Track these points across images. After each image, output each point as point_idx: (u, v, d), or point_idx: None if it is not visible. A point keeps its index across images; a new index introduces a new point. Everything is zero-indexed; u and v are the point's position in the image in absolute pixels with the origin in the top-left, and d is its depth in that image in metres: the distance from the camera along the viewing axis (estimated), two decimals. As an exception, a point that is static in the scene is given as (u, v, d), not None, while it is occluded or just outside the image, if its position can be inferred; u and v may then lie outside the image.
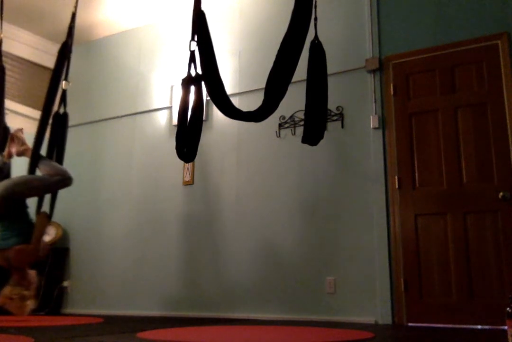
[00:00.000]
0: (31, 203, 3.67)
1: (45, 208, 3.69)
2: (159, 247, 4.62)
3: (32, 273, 3.58)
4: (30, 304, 3.45)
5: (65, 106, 3.86)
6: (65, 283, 4.97)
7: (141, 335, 2.62)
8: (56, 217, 5.04)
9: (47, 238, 4.94)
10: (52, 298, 4.81)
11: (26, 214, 3.65)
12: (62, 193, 3.81)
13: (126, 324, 3.45)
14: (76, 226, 5.15)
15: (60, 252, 5.03)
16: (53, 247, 4.95)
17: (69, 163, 4.59)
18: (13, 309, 3.43)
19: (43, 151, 3.69)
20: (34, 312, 4.58)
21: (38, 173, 3.62)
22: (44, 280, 4.78)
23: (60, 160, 3.76)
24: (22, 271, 3.51)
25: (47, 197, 3.73)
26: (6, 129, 3.94)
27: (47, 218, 3.63)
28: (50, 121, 3.72)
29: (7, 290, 3.42)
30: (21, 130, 3.96)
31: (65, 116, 3.85)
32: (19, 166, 3.84)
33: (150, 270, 4.61)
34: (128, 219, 4.88)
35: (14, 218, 3.57)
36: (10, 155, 3.85)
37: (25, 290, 3.44)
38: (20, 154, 3.87)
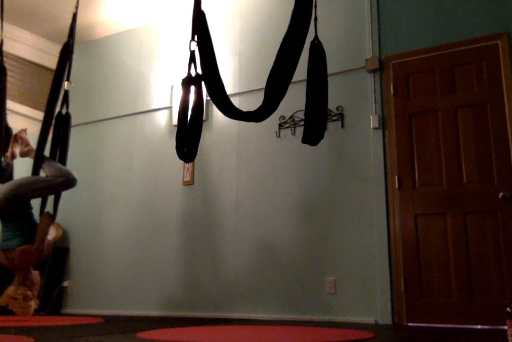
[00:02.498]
0: (35, 203, 3.68)
1: (49, 208, 3.70)
2: (159, 247, 4.62)
3: (35, 273, 3.60)
4: (34, 304, 3.47)
5: (67, 106, 3.87)
6: (65, 283, 4.97)
7: (141, 335, 2.61)
8: (56, 217, 5.07)
9: (48, 238, 4.95)
10: (52, 298, 4.81)
11: (30, 215, 3.65)
12: (62, 193, 3.81)
13: (126, 324, 3.45)
14: (76, 226, 5.15)
15: (60, 252, 5.03)
16: (53, 247, 4.94)
17: (69, 163, 4.58)
18: (17, 309, 3.44)
19: (46, 152, 3.69)
20: (34, 312, 4.60)
21: (42, 173, 3.62)
22: (44, 280, 4.78)
23: (63, 161, 3.76)
24: (25, 271, 3.52)
25: (51, 198, 3.73)
26: (8, 129, 3.95)
27: (50, 218, 3.64)
28: (53, 122, 3.73)
29: (10, 290, 3.43)
30: (24, 131, 3.96)
31: (67, 116, 3.85)
32: (22, 167, 3.85)
33: (150, 269, 4.61)
34: (128, 219, 4.88)
35: (18, 219, 3.58)
36: (13, 156, 3.85)
37: (29, 290, 3.45)
38: (24, 155, 3.88)
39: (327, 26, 4.15)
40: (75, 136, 5.32)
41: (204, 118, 4.16)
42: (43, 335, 2.65)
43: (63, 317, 4.28)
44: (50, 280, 4.84)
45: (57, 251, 4.99)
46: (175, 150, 2.95)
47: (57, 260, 4.95)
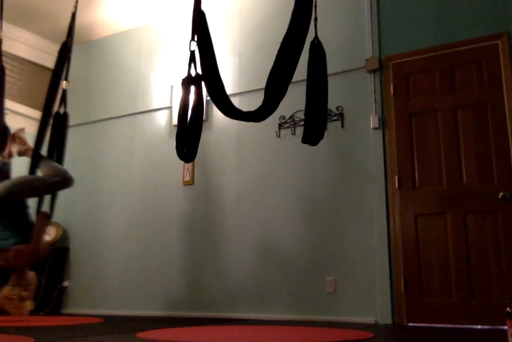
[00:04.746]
0: (32, 203, 3.67)
1: (46, 208, 3.69)
2: (159, 247, 4.62)
3: (31, 274, 3.57)
4: (29, 304, 3.45)
5: (65, 106, 3.86)
6: (65, 283, 4.97)
7: (141, 335, 2.62)
8: (56, 217, 5.04)
9: (47, 238, 4.95)
10: (52, 298, 4.81)
11: (27, 214, 3.64)
12: (62, 193, 3.80)
13: (126, 324, 3.45)
14: (76, 226, 5.15)
15: (60, 252, 5.03)
16: (53, 247, 4.95)
17: (69, 163, 4.57)
18: (12, 310, 3.42)
19: (43, 151, 3.68)
20: (34, 312, 4.59)
21: (39, 173, 3.61)
22: (44, 280, 4.78)
23: (60, 160, 3.75)
24: (21, 271, 3.51)
25: (47, 197, 3.72)
26: (6, 129, 3.94)
27: (47, 218, 3.62)
28: (51, 121, 3.72)
29: (6, 290, 3.42)
30: (22, 130, 3.95)
31: (65, 116, 3.84)
32: (19, 167, 3.84)
33: (150, 269, 4.60)
34: (128, 219, 4.88)
35: (14, 218, 3.56)
36: (10, 155, 3.84)
37: (24, 290, 3.44)
38: (21, 154, 3.87)
39: (327, 26, 4.14)
40: (75, 136, 5.34)
41: (204, 118, 4.14)
42: (43, 335, 2.65)
43: (63, 317, 4.28)
44: (50, 280, 4.84)
45: (57, 251, 5.00)
46: (175, 150, 2.95)
47: (57, 260, 4.96)
